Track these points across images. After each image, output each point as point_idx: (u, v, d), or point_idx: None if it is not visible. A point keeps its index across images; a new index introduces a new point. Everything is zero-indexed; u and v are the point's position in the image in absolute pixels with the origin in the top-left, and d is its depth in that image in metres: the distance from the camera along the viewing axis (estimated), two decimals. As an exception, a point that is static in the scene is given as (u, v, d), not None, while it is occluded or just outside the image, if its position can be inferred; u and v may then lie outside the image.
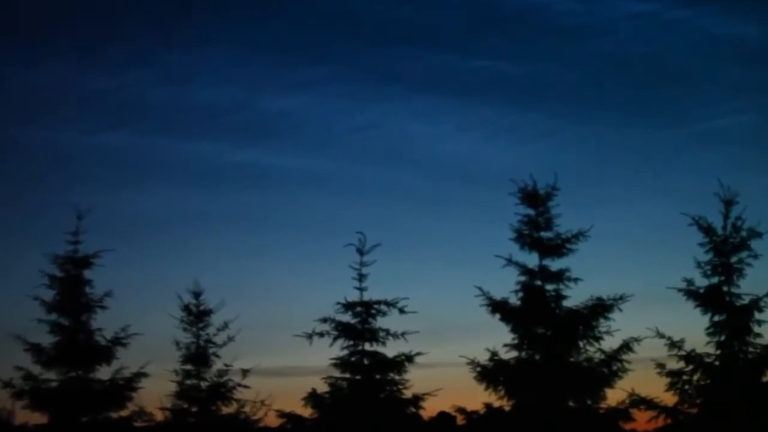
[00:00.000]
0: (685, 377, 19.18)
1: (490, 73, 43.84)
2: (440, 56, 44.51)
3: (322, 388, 20.30)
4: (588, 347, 19.48)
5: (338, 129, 44.87)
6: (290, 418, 20.52)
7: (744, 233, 19.45)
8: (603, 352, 19.41)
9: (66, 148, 42.12)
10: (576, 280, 19.76)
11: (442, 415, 21.70)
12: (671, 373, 19.23)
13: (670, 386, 19.22)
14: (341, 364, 20.32)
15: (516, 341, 19.61)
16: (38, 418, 21.60)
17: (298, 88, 44.28)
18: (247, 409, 21.44)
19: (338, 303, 20.50)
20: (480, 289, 19.77)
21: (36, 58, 42.32)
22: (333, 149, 44.43)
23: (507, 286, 19.73)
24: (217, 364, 21.68)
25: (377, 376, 20.25)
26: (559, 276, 19.78)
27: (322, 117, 45.27)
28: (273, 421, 20.94)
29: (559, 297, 19.75)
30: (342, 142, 44.76)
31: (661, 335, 19.24)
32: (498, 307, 19.71)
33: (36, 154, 42.53)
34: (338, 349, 20.41)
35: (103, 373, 21.74)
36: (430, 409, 20.68)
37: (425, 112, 44.97)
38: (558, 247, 19.89)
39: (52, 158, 42.13)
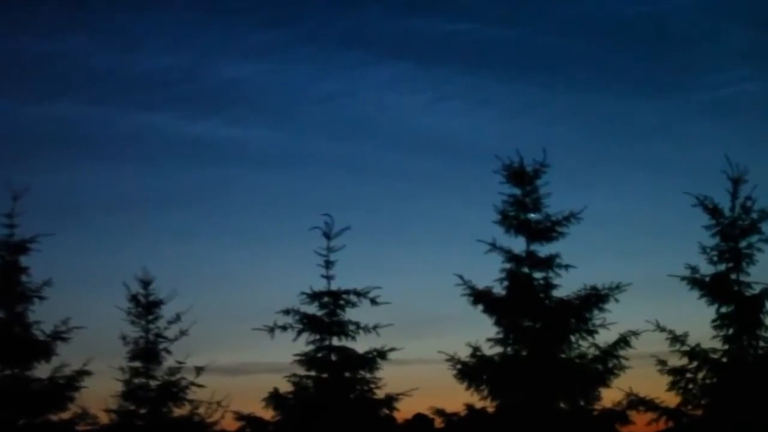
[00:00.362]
0: (688, 375, 18.53)
1: (472, 38, 41.60)
2: (415, 18, 42.15)
3: (285, 387, 19.70)
4: (581, 342, 18.94)
5: (301, 99, 42.77)
6: (249, 420, 19.84)
7: (754, 215, 18.79)
8: (597, 347, 18.86)
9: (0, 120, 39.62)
10: (567, 267, 19.19)
11: (419, 418, 21.08)
12: (673, 371, 18.58)
13: (672, 385, 18.56)
14: (306, 360, 19.69)
15: (501, 335, 19.05)
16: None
17: (256, 54, 42.21)
18: (201, 410, 20.61)
19: (303, 293, 19.85)
20: (460, 277, 19.21)
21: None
22: (296, 121, 42.15)
23: (491, 274, 19.23)
24: (169, 361, 20.84)
25: (346, 374, 19.66)
26: (549, 263, 19.18)
27: (284, 86, 42.97)
28: (230, 424, 20.40)
29: (549, 286, 19.17)
30: (306, 114, 42.54)
31: (662, 329, 18.61)
32: (481, 297, 19.15)
33: (-35, 127, 40.17)
34: (303, 344, 19.80)
35: (42, 371, 20.79)
36: (405, 410, 20.11)
37: (399, 80, 42.84)
38: (547, 231, 19.30)
39: (-16, 132, 39.96)
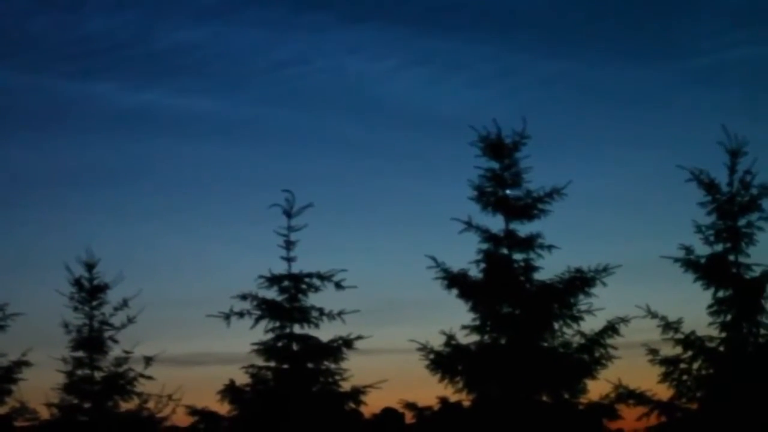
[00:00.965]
0: (682, 366, 18.19)
1: None
2: (379, -22, 41.57)
3: (242, 379, 19.19)
4: (565, 329, 18.59)
5: (256, 66, 42.60)
6: (203, 415, 19.42)
7: (754, 190, 18.42)
8: (583, 335, 18.55)
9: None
10: (550, 247, 18.81)
11: (388, 412, 20.96)
12: (666, 361, 18.23)
13: (665, 377, 18.22)
14: (265, 350, 19.17)
15: (477, 322, 18.69)
16: None
17: (205, 16, 42.07)
18: (150, 404, 20.06)
19: (261, 276, 19.31)
20: (433, 259, 18.84)
21: None
22: (250, 90, 41.86)
23: (466, 255, 18.85)
24: (115, 351, 20.27)
25: (309, 365, 19.21)
26: (530, 243, 18.83)
27: (236, 51, 42.26)
28: (182, 419, 19.85)
29: (530, 268, 18.82)
30: (261, 82, 42.05)
31: (653, 315, 18.24)
32: (455, 281, 18.79)
33: None
34: (261, 332, 19.23)
35: None
36: (372, 404, 19.68)
37: (361, 45, 42.75)
38: (528, 208, 18.94)
39: None
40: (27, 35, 40.32)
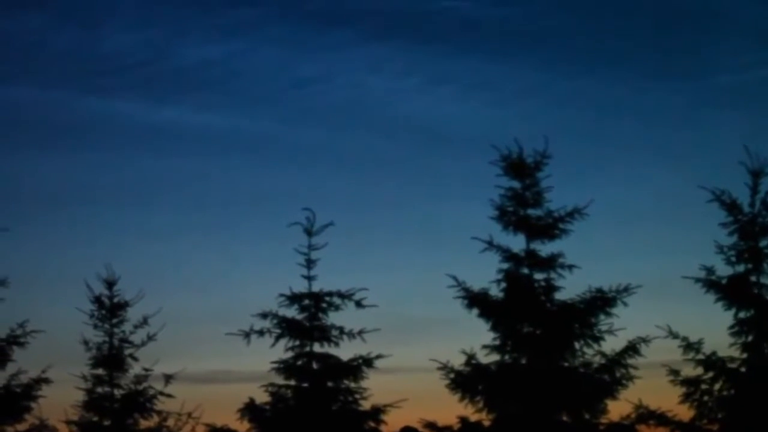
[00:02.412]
0: (703, 386, 18.02)
1: (464, 15, 40.16)
2: (402, -5, 41.88)
3: (262, 397, 19.14)
4: (585, 349, 18.50)
5: (277, 83, 41.71)
6: None
7: None
8: (604, 355, 18.45)
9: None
10: (571, 267, 18.72)
11: (407, 431, 20.69)
12: (687, 382, 18.08)
13: (686, 397, 18.06)
14: (285, 368, 19.14)
15: (498, 342, 18.63)
16: None
17: (227, 34, 41.14)
18: (170, 422, 20.03)
19: (281, 294, 19.28)
20: (454, 278, 18.75)
21: None
22: (271, 108, 40.99)
23: (487, 275, 18.78)
24: (135, 369, 20.22)
25: (329, 384, 19.16)
26: (551, 263, 18.73)
27: (258, 69, 41.59)
28: None
29: (551, 288, 18.72)
30: (282, 100, 41.38)
31: (674, 335, 18.12)
32: (476, 300, 18.69)
33: None
34: (281, 350, 19.22)
35: None
36: (392, 423, 19.63)
37: (384, 63, 41.60)
38: (549, 228, 18.84)
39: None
40: (48, 52, 40.00)
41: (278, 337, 19.08)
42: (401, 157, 38.70)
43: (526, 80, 39.79)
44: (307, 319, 19.21)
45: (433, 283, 19.60)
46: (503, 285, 18.64)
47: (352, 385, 19.08)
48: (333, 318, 19.32)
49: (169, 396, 20.08)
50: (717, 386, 17.91)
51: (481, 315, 18.63)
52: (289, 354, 19.13)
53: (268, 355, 19.13)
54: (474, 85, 40.66)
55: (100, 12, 39.36)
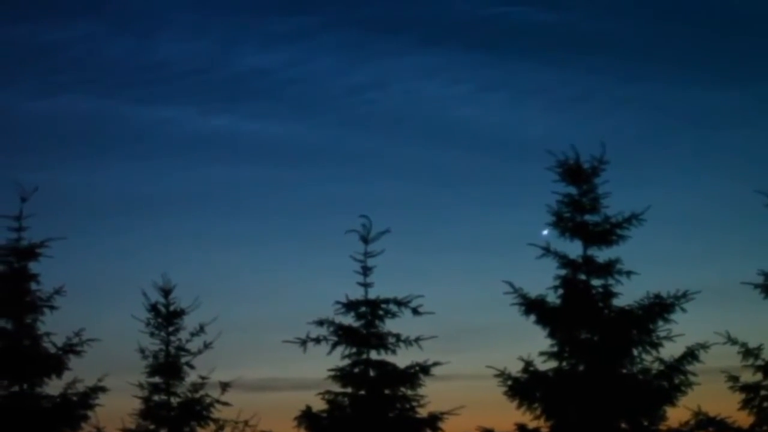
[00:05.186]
0: (763, 393, 17.87)
1: (518, 21, 39.51)
2: (455, 0, 40.45)
3: (319, 405, 19.13)
4: (644, 356, 18.36)
5: (331, 91, 41.23)
6: None
7: None
8: (662, 361, 18.27)
9: (4, 114, 38.14)
10: (629, 273, 18.56)
11: None
12: (746, 388, 17.96)
13: (745, 404, 17.93)
14: (342, 376, 19.16)
15: (555, 348, 18.58)
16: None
17: (280, 42, 40.60)
18: (227, 430, 20.15)
19: (338, 302, 19.28)
20: (510, 284, 18.69)
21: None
22: (326, 115, 40.51)
23: (544, 281, 18.74)
24: (191, 377, 20.38)
25: (386, 391, 19.09)
26: (608, 269, 18.58)
27: (311, 76, 41.16)
28: None
29: (608, 294, 18.57)
30: (336, 107, 40.74)
31: (733, 341, 18.05)
32: (533, 306, 18.65)
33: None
34: (338, 357, 19.23)
35: (53, 387, 20.27)
36: (450, 430, 19.29)
37: (438, 69, 40.85)
38: (606, 234, 18.72)
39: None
40: (102, 61, 39.90)
41: (335, 345, 19.09)
42: (456, 163, 38.32)
43: (580, 85, 39.35)
44: (363, 327, 19.18)
45: (490, 289, 19.78)
46: (560, 291, 18.59)
47: (409, 392, 19.02)
48: (390, 325, 19.32)
49: (225, 404, 20.14)
50: (777, 392, 17.85)
51: (539, 322, 18.57)
52: (346, 361, 19.10)
53: (324, 362, 19.11)
54: (528, 91, 40.16)
55: (154, 21, 39.47)
